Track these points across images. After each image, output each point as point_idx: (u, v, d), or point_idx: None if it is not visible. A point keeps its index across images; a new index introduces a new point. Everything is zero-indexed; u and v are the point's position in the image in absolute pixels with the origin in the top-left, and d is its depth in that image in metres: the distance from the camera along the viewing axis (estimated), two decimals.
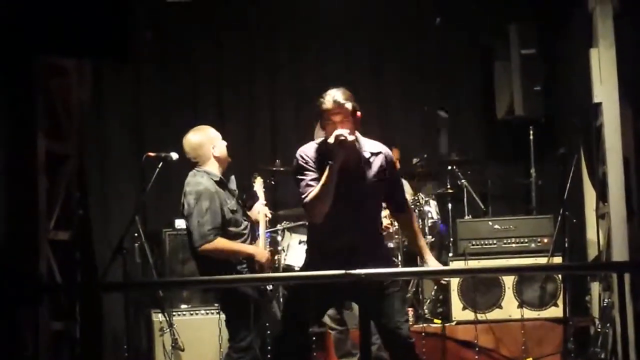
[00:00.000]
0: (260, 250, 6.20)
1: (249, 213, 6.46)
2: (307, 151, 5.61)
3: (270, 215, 6.59)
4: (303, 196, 5.48)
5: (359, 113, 5.55)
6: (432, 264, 5.85)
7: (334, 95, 5.45)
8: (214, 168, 6.23)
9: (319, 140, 5.64)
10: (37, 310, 5.56)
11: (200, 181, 6.12)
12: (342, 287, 5.44)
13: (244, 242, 6.21)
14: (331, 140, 5.38)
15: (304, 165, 5.55)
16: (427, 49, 9.84)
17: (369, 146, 5.62)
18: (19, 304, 5.42)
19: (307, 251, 5.84)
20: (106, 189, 8.70)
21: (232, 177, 6.44)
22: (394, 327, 5.58)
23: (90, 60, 6.85)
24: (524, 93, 9.03)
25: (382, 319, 5.57)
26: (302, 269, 6.01)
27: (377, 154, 5.62)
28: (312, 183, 5.46)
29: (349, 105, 5.44)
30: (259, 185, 6.66)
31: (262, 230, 6.44)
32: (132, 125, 9.36)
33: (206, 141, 6.26)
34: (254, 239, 6.35)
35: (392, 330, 5.59)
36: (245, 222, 6.31)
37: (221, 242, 6.02)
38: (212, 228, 5.99)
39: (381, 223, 6.01)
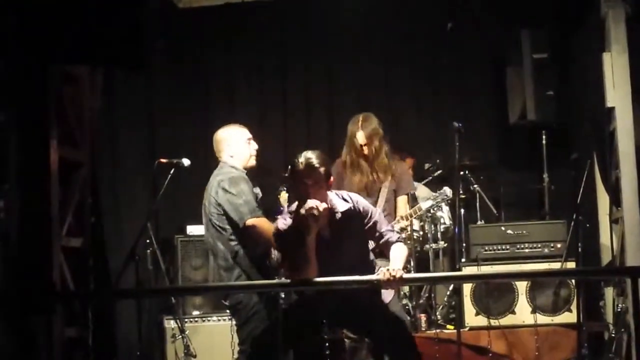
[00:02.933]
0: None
1: None
2: (283, 223, 5.61)
3: None
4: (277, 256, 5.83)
5: (332, 178, 5.60)
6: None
7: (309, 158, 5.45)
8: (237, 163, 6.27)
9: (292, 209, 5.62)
10: (51, 317, 5.56)
11: (231, 170, 6.19)
12: (341, 318, 5.69)
13: None
14: (303, 211, 5.38)
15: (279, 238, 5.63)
16: (439, 54, 9.82)
17: (340, 205, 5.60)
18: (32, 311, 5.43)
19: None
20: (118, 195, 8.70)
21: (258, 189, 6.40)
22: (399, 338, 5.68)
23: (103, 68, 6.87)
24: (536, 98, 9.01)
25: (384, 331, 5.67)
26: (296, 302, 5.99)
27: (347, 211, 5.60)
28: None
29: (322, 170, 5.45)
30: (284, 200, 6.64)
31: None
32: (144, 132, 9.38)
33: (223, 140, 6.33)
34: None
35: (397, 342, 5.68)
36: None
37: (266, 221, 6.05)
38: (255, 206, 6.04)
39: (371, 259, 5.90)
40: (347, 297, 5.62)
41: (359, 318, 5.75)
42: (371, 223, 5.67)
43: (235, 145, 6.31)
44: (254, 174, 6.41)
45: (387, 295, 5.69)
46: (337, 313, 5.67)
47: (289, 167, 5.52)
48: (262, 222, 6.03)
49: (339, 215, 5.59)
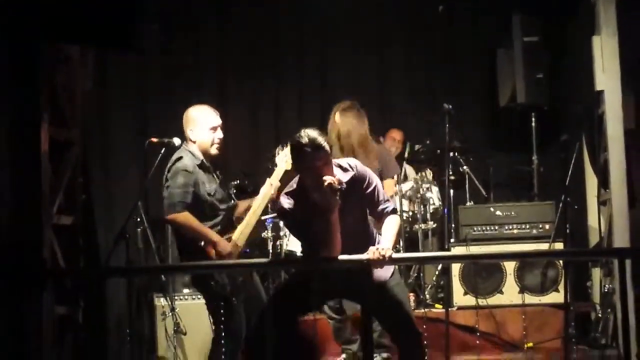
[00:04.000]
0: (223, 241, 6.08)
1: (240, 202, 6.46)
2: (287, 203, 5.49)
3: (273, 186, 6.27)
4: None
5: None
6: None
7: (314, 139, 5.26)
8: (195, 149, 6.25)
9: (294, 183, 5.51)
10: (41, 295, 5.59)
11: (181, 157, 6.18)
12: (342, 287, 5.56)
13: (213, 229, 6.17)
14: (315, 197, 5.30)
15: (285, 218, 5.57)
16: (431, 37, 9.85)
17: (343, 176, 5.46)
18: (23, 289, 5.45)
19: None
20: (109, 174, 8.72)
21: (217, 173, 6.42)
22: (399, 320, 5.60)
23: (95, 48, 6.87)
24: (526, 81, 9.04)
25: (385, 313, 5.59)
26: (294, 274, 5.98)
27: (350, 180, 5.48)
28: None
29: (327, 147, 5.31)
30: (282, 157, 6.42)
31: (252, 213, 6.25)
32: (136, 112, 9.38)
33: (189, 121, 6.31)
34: (231, 227, 6.26)
35: (397, 324, 5.61)
36: (223, 211, 6.28)
37: (188, 217, 6.03)
38: (181, 201, 6.03)
39: (371, 226, 5.84)
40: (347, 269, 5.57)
41: (356, 292, 5.68)
42: (370, 189, 5.58)
43: (199, 131, 6.28)
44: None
45: (387, 270, 5.64)
46: (337, 283, 5.63)
47: (291, 148, 5.37)
48: (180, 218, 6.05)
49: (343, 187, 5.41)
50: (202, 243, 6.03)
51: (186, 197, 6.05)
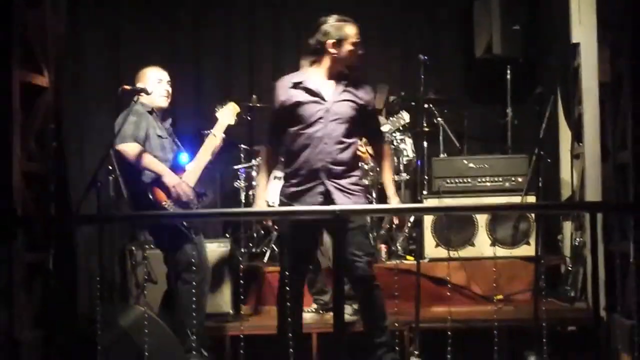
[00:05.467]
0: (171, 174, 6.45)
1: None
2: (288, 80, 5.98)
3: (217, 138, 6.72)
4: (269, 127, 6.13)
5: None
6: (391, 199, 6.08)
7: (348, 20, 5.99)
8: (145, 100, 6.59)
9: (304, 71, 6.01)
10: (11, 242, 5.55)
11: (132, 106, 6.52)
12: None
13: None
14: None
15: (277, 100, 5.99)
16: None
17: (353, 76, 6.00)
18: None
19: (284, 180, 6.10)
20: (82, 121, 8.65)
21: (169, 119, 6.82)
22: (351, 260, 5.83)
23: None
24: (502, 32, 9.03)
25: (342, 250, 5.66)
26: (281, 203, 6.10)
27: (358, 83, 5.98)
28: (274, 133, 6.08)
29: None
30: (225, 112, 6.82)
31: (198, 158, 6.69)
32: (109, 59, 9.30)
33: (139, 78, 6.70)
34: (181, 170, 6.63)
35: (350, 263, 5.83)
36: (172, 153, 6.64)
37: (138, 149, 6.40)
38: (132, 135, 6.40)
39: (357, 155, 6.14)
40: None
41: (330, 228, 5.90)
42: (372, 108, 6.07)
43: (146, 85, 6.59)
44: None
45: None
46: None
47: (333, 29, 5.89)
48: (130, 149, 6.40)
49: (347, 82, 5.95)
50: (152, 177, 6.42)
51: (137, 131, 6.43)
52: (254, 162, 8.50)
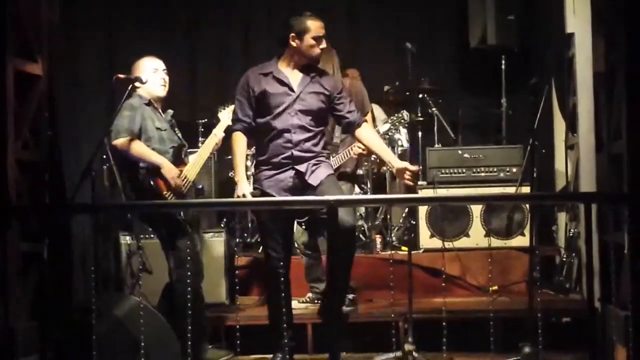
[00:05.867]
0: (169, 165, 6.48)
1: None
2: (256, 72, 6.19)
3: (218, 137, 6.87)
4: (234, 117, 6.25)
5: None
6: (397, 164, 6.08)
7: (312, 15, 6.08)
8: (142, 92, 6.61)
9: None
10: (6, 231, 5.54)
11: (129, 99, 6.51)
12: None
13: None
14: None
15: (242, 92, 6.19)
16: None
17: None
18: None
19: (255, 167, 6.29)
20: (76, 110, 8.63)
21: (170, 110, 6.83)
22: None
23: None
24: (497, 22, 9.03)
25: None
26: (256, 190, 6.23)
27: (325, 77, 6.20)
28: (243, 118, 6.12)
29: None
30: (226, 114, 6.91)
31: (199, 153, 6.83)
32: (103, 47, 9.28)
33: (136, 68, 6.68)
34: (181, 163, 6.68)
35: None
36: (172, 145, 6.64)
37: (133, 143, 6.41)
38: (126, 129, 6.41)
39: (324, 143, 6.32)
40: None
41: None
42: (342, 95, 6.20)
43: (143, 75, 6.58)
44: None
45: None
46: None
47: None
48: (126, 144, 6.42)
49: (313, 74, 6.12)
50: (148, 168, 6.43)
51: (131, 125, 6.43)
52: (247, 152, 8.49)
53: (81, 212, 6.52)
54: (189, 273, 6.21)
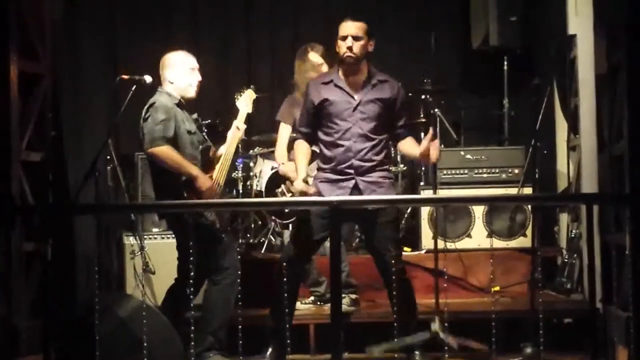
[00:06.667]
0: (204, 176, 6.22)
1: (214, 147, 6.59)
2: (318, 80, 6.21)
3: (241, 130, 6.60)
4: (298, 124, 6.31)
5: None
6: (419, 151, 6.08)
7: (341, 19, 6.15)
8: (173, 90, 6.34)
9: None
10: (10, 231, 5.57)
11: (159, 98, 6.26)
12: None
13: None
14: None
15: (306, 97, 6.17)
16: None
17: (379, 75, 6.22)
18: None
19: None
20: (80, 110, 8.65)
21: (195, 115, 6.68)
22: (384, 254, 6.00)
23: None
24: (499, 23, 9.02)
25: (373, 244, 6.09)
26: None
27: (385, 82, 6.16)
28: (302, 129, 6.20)
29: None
30: (244, 101, 6.72)
31: (224, 149, 6.52)
32: (107, 47, 9.29)
33: (168, 64, 6.38)
34: (210, 167, 6.44)
35: (382, 256, 6.01)
36: (201, 147, 6.43)
37: (170, 151, 6.11)
38: (163, 136, 6.10)
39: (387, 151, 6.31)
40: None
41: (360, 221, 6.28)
42: (401, 105, 6.18)
43: (177, 73, 6.36)
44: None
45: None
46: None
47: None
48: (162, 151, 6.12)
49: (374, 81, 6.11)
50: (184, 178, 6.14)
51: (167, 131, 6.13)
52: (251, 152, 8.51)
53: (84, 212, 6.51)
54: (225, 279, 6.25)
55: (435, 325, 6.24)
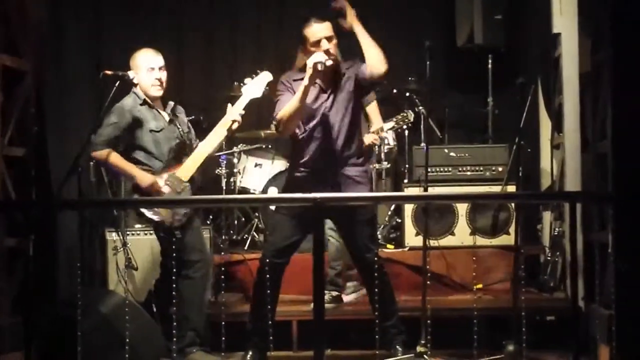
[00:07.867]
0: (142, 174, 6.21)
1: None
2: (289, 77, 6.00)
3: (238, 119, 6.46)
4: (275, 114, 5.89)
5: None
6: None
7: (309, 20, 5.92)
8: (138, 91, 6.37)
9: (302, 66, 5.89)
10: None
11: (124, 99, 6.32)
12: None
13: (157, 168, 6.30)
14: (310, 63, 5.66)
15: (283, 90, 5.94)
16: None
17: (345, 64, 6.03)
18: None
19: (288, 170, 6.26)
20: (63, 106, 8.60)
21: (170, 103, 6.56)
22: (364, 251, 6.02)
23: None
24: (484, 22, 9.03)
25: (355, 242, 6.08)
26: (284, 189, 6.25)
27: (350, 67, 6.03)
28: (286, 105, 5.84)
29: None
30: (254, 84, 6.55)
31: (202, 145, 6.43)
32: (90, 43, 9.24)
33: (133, 65, 6.42)
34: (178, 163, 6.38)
35: (362, 254, 6.03)
36: (175, 143, 6.40)
37: (110, 155, 6.16)
38: (103, 140, 6.15)
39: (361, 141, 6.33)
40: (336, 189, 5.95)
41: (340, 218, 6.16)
42: (361, 75, 6.00)
43: (139, 73, 6.38)
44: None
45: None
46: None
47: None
48: (102, 156, 6.19)
49: (343, 71, 6.01)
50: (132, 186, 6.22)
51: (111, 134, 6.18)
52: (235, 149, 8.50)
53: (67, 208, 6.51)
54: (196, 273, 6.24)
55: (421, 348, 6.22)
